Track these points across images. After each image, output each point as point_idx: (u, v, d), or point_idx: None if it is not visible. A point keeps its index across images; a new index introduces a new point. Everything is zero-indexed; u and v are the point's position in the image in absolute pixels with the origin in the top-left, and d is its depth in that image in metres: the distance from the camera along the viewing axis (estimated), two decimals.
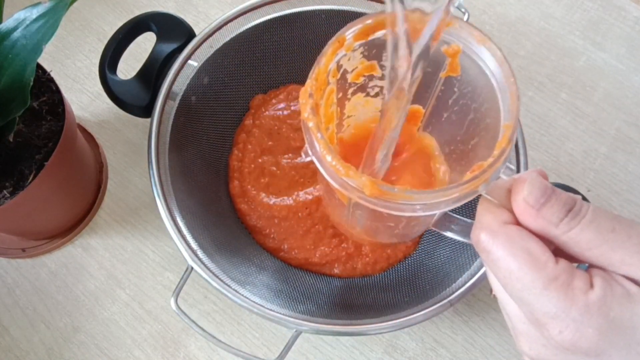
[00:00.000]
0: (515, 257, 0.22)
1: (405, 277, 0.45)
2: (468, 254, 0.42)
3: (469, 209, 0.43)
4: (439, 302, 0.39)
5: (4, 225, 0.45)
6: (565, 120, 0.53)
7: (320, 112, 0.27)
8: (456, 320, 0.46)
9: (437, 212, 0.27)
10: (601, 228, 0.22)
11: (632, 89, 0.54)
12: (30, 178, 0.39)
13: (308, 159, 0.25)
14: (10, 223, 0.44)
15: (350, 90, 0.30)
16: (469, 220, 0.30)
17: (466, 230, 0.31)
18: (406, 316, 0.39)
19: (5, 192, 0.38)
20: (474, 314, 0.46)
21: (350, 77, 0.29)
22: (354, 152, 0.32)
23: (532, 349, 0.23)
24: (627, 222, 0.22)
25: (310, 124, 0.24)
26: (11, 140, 0.40)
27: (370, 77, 0.30)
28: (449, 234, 0.31)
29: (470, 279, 0.39)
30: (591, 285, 0.21)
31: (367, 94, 0.31)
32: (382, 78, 0.30)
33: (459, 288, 0.39)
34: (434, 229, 0.32)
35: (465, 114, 0.29)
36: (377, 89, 0.31)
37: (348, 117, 0.32)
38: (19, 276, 0.48)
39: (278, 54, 0.49)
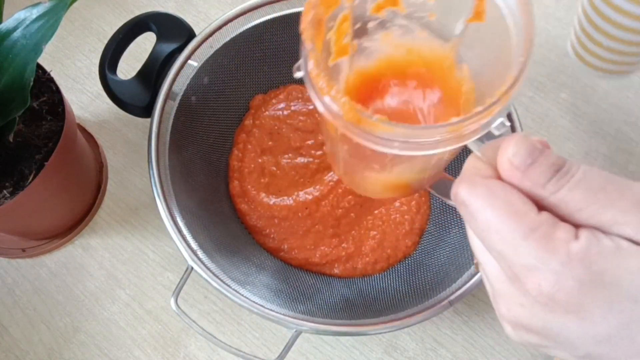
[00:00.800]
0: (494, 208, 0.21)
1: (405, 277, 0.45)
2: (468, 254, 0.42)
3: None
4: (439, 302, 0.39)
5: (4, 225, 0.45)
6: (565, 120, 0.53)
7: (328, 34, 0.24)
8: (456, 320, 0.46)
9: (417, 155, 0.24)
10: (591, 187, 0.20)
11: (632, 89, 0.54)
12: (30, 178, 0.39)
13: (299, 74, 0.23)
14: (10, 223, 0.44)
15: (371, 25, 0.27)
16: None
17: None
18: (406, 316, 0.39)
19: (5, 192, 0.38)
20: (474, 314, 0.46)
21: (370, 8, 0.26)
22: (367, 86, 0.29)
23: (510, 310, 0.22)
24: (620, 181, 0.20)
25: (304, 36, 0.22)
26: (11, 140, 0.40)
27: (395, 14, 0.27)
28: (448, 201, 0.28)
29: (470, 279, 0.39)
30: (576, 237, 0.20)
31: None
32: (406, 17, 0.27)
33: (459, 288, 0.39)
34: (428, 189, 0.29)
35: (480, 64, 0.27)
36: (401, 31, 0.28)
37: (365, 48, 0.29)
38: (19, 276, 0.48)
39: (278, 54, 0.49)
